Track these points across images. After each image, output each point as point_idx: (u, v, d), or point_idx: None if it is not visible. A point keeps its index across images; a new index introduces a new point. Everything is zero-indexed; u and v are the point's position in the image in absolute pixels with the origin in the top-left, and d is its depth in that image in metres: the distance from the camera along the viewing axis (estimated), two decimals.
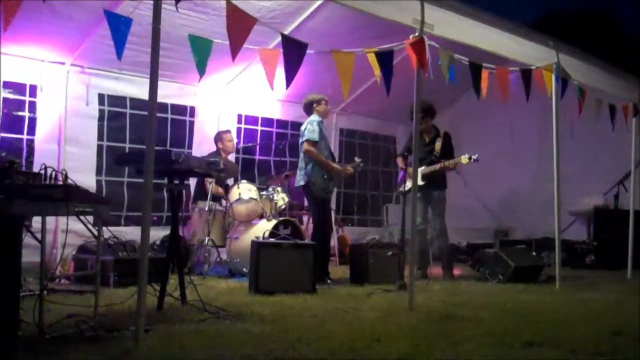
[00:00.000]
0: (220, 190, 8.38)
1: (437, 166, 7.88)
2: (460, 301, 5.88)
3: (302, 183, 7.57)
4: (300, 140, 7.62)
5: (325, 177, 7.50)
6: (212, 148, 8.81)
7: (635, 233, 8.76)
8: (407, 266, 6.51)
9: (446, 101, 11.52)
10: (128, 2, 6.19)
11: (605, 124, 8.31)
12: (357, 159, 8.00)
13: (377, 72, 5.72)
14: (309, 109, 7.69)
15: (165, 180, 5.38)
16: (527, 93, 6.86)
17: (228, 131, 9.02)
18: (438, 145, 8.03)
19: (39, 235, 4.06)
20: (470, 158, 7.71)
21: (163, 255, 5.86)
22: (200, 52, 4.96)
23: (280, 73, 5.13)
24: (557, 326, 4.65)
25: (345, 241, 10.02)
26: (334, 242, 9.23)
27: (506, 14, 7.05)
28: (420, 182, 7.44)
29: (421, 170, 7.74)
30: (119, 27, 4.58)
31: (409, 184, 7.43)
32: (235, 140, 9.29)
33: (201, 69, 4.94)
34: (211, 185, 8.06)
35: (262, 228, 7.45)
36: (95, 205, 4.14)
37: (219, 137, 8.81)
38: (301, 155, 7.61)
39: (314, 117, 7.59)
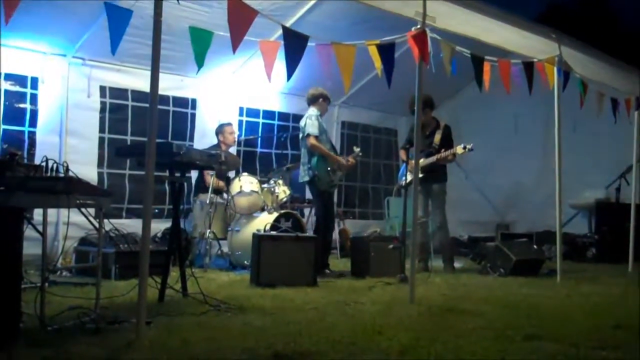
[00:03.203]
0: (221, 183, 8.37)
1: (433, 158, 7.86)
2: (461, 294, 5.89)
3: (307, 178, 7.56)
4: (301, 136, 7.62)
5: (330, 170, 7.50)
6: (214, 140, 8.81)
7: (637, 226, 8.74)
8: (408, 259, 6.51)
9: (448, 94, 11.53)
10: None
11: (607, 117, 8.29)
12: (356, 149, 8.01)
13: (378, 64, 5.70)
14: (315, 100, 7.65)
15: (167, 173, 5.39)
16: (529, 86, 6.84)
17: (229, 124, 9.00)
18: (438, 137, 8.01)
19: (40, 228, 4.06)
20: (465, 148, 7.72)
21: (164, 248, 5.87)
22: (200, 44, 4.92)
23: (281, 66, 5.12)
24: (558, 320, 4.65)
25: (346, 234, 10.03)
26: (335, 235, 9.23)
27: (508, 7, 7.02)
28: (419, 175, 7.42)
29: (420, 162, 7.71)
30: (118, 19, 4.54)
31: (408, 177, 7.42)
32: (237, 133, 9.29)
33: (200, 61, 4.91)
34: (212, 178, 8.07)
35: (264, 221, 7.45)
36: (96, 198, 4.15)
37: (220, 130, 8.80)
38: (303, 150, 7.60)
39: (313, 112, 7.58)
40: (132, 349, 3.53)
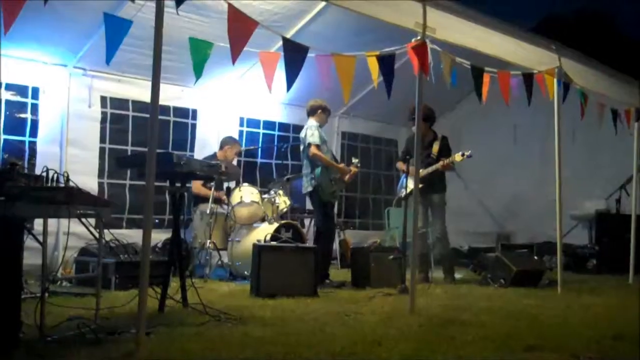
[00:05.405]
0: (217, 193, 8.33)
1: (436, 166, 7.86)
2: (461, 305, 5.87)
3: (310, 189, 7.55)
4: (302, 147, 7.62)
5: (332, 180, 7.51)
6: (214, 150, 8.82)
7: (637, 237, 8.73)
8: (408, 270, 6.50)
9: (448, 105, 11.54)
10: (130, 5, 6.20)
11: (607, 128, 8.31)
12: (354, 160, 8.02)
13: (375, 76, 5.72)
14: (314, 111, 7.67)
15: (167, 183, 5.39)
16: (528, 97, 6.86)
17: (239, 142, 9.04)
18: (436, 147, 8.02)
19: (40, 238, 4.06)
20: (463, 155, 7.74)
21: (164, 258, 5.86)
22: (199, 54, 4.95)
23: (281, 76, 5.13)
24: (559, 330, 4.65)
25: (346, 245, 10.02)
26: (335, 245, 9.23)
27: (508, 18, 7.06)
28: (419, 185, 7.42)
29: (420, 172, 7.69)
30: (117, 30, 4.54)
31: (409, 188, 7.42)
32: None
33: (198, 72, 4.93)
34: (212, 190, 8.09)
35: (264, 231, 7.45)
36: (96, 208, 4.15)
37: (230, 142, 8.77)
38: (305, 161, 7.60)
39: (312, 123, 7.60)
40: None
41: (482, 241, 10.99)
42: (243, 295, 6.33)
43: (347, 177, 7.77)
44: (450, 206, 8.27)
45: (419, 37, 5.58)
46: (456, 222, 9.38)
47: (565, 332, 4.55)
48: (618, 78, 8.63)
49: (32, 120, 7.74)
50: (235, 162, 9.20)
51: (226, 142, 8.81)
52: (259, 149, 10.23)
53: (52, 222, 5.80)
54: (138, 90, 8.32)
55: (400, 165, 8.29)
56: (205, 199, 8.18)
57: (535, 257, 8.67)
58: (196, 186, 8.35)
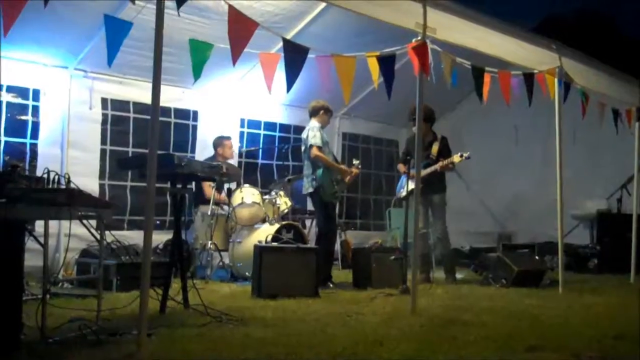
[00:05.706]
0: (223, 196, 8.34)
1: (435, 167, 7.85)
2: (463, 305, 5.87)
3: (311, 190, 7.55)
4: (303, 148, 7.63)
5: (334, 181, 7.51)
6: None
7: (638, 237, 8.72)
8: (409, 270, 6.50)
9: (448, 105, 11.54)
10: (131, 6, 6.21)
11: (608, 127, 8.30)
12: (355, 161, 8.02)
13: (376, 77, 5.73)
14: (316, 112, 7.67)
15: (168, 185, 5.40)
16: (529, 97, 6.86)
17: (229, 138, 9.02)
18: (435, 148, 8.01)
19: (41, 239, 4.07)
20: (461, 156, 7.76)
21: (166, 260, 5.87)
22: (199, 55, 4.95)
23: (282, 77, 5.14)
24: (560, 330, 4.65)
25: (347, 245, 10.02)
26: (336, 246, 9.22)
27: (508, 18, 7.06)
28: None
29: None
30: (117, 31, 4.54)
31: (409, 187, 7.42)
32: (238, 145, 9.29)
33: (197, 73, 4.93)
34: (213, 191, 8.08)
35: (265, 232, 7.46)
36: (98, 210, 4.15)
37: (219, 142, 8.80)
38: (306, 162, 7.61)
39: (314, 124, 7.60)
40: None
41: (484, 241, 10.98)
42: (244, 296, 6.33)
43: (347, 178, 7.78)
44: (452, 206, 8.26)
45: (419, 38, 5.58)
46: (457, 222, 9.38)
47: (566, 332, 4.55)
48: (619, 77, 8.63)
49: (33, 122, 7.75)
50: (235, 163, 9.21)
51: (216, 143, 8.83)
52: (260, 150, 10.23)
53: (53, 223, 5.80)
54: (139, 91, 8.32)
55: (401, 167, 8.29)
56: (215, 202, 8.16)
57: (537, 257, 8.65)
58: (207, 190, 8.34)
